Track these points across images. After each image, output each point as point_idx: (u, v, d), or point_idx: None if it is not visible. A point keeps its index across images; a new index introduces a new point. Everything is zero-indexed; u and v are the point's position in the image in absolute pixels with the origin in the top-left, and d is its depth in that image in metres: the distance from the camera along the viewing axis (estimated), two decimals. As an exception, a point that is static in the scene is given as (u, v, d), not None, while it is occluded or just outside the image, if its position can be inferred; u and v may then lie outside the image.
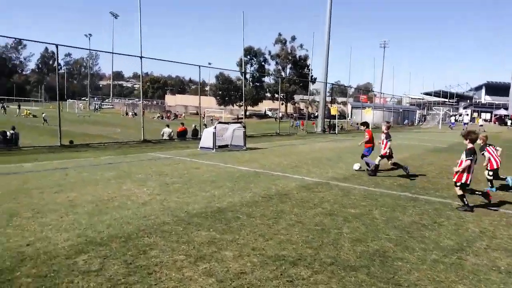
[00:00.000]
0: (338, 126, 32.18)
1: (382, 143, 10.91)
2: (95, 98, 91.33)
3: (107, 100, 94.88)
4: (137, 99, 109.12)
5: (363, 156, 11.75)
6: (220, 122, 16.99)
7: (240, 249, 4.91)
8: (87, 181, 8.38)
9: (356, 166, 11.67)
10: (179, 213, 6.35)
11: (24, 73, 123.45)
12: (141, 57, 17.21)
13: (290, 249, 5.00)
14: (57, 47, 14.09)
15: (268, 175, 10.20)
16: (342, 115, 54.12)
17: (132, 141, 17.71)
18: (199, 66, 19.40)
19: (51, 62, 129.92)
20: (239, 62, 79.87)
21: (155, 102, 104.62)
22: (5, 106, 59.43)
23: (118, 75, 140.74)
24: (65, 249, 4.59)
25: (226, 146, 16.35)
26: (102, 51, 18.29)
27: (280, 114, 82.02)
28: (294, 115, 78.87)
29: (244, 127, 17.06)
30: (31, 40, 13.36)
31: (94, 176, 9.02)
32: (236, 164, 11.82)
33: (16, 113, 51.60)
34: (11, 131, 16.71)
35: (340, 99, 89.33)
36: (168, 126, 22.69)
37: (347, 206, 7.28)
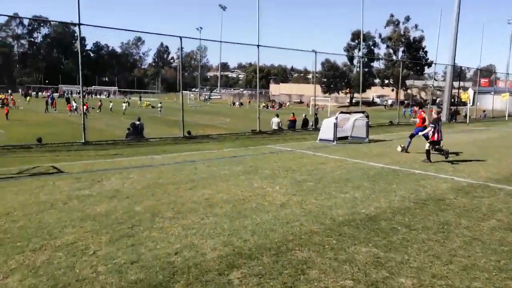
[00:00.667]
0: (463, 114, 28.50)
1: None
2: (204, 89, 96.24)
3: (215, 91, 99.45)
4: (241, 89, 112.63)
5: None
6: (341, 112, 15.83)
7: (417, 276, 3.91)
8: (218, 177, 8.08)
9: None
10: (324, 219, 5.55)
11: (142, 67, 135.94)
12: (258, 46, 16.86)
13: (483, 280, 3.85)
14: (181, 39, 14.38)
15: (407, 174, 8.90)
16: (463, 102, 48.31)
17: (248, 132, 17.60)
18: (315, 52, 18.36)
19: (165, 56, 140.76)
20: (346, 47, 76.97)
21: (255, 91, 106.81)
22: (129, 98, 65.88)
23: (224, 66, 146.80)
24: (215, 262, 4.09)
25: (346, 137, 15.21)
26: (223, 42, 18.31)
27: (390, 101, 76.92)
28: (406, 101, 73.37)
29: (367, 117, 15.65)
30: (156, 33, 13.61)
31: (223, 170, 8.74)
32: (366, 159, 10.68)
33: (138, 104, 56.73)
34: (137, 122, 17.77)
35: (455, 83, 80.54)
36: (277, 115, 22.20)
37: (532, 220, 5.73)
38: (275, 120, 21.02)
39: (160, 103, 43.98)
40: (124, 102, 44.46)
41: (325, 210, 5.96)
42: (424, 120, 12.36)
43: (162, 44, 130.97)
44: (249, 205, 6.13)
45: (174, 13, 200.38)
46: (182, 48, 14.50)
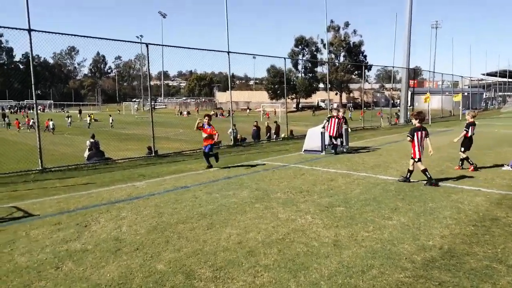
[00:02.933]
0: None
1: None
2: (148, 99, 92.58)
3: (159, 100, 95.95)
4: (184, 97, 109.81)
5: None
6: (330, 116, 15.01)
7: None
8: (230, 208, 6.75)
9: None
10: (399, 261, 4.51)
11: (78, 78, 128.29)
12: (228, 52, 15.61)
13: None
14: (147, 46, 12.74)
15: (430, 188, 8.16)
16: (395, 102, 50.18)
17: (223, 146, 16.24)
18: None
19: (102, 66, 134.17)
20: (290, 54, 77.73)
21: (203, 99, 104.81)
22: (67, 111, 61.06)
23: (164, 75, 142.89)
24: None
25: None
26: (190, 48, 16.29)
27: (335, 105, 79.15)
28: (348, 104, 75.61)
29: (346, 123, 15.00)
30: (120, 40, 11.85)
31: (228, 198, 7.41)
32: (370, 172, 9.88)
33: (78, 118, 52.64)
34: (91, 140, 15.73)
35: (388, 85, 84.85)
36: (234, 125, 20.76)
37: None
38: (231, 130, 19.58)
39: (110, 115, 41.11)
40: (67, 117, 40.89)
41: (389, 247, 4.92)
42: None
43: (98, 53, 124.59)
44: (297, 248, 4.92)
45: (111, 18, 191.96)
46: (148, 56, 12.82)
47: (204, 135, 10.46)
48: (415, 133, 8.41)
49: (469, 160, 10.06)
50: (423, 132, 8.48)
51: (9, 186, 8.82)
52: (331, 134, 13.39)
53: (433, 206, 6.77)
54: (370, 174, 9.59)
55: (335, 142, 13.46)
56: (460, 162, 10.33)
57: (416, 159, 8.46)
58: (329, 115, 13.63)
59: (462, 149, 10.26)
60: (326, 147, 13.46)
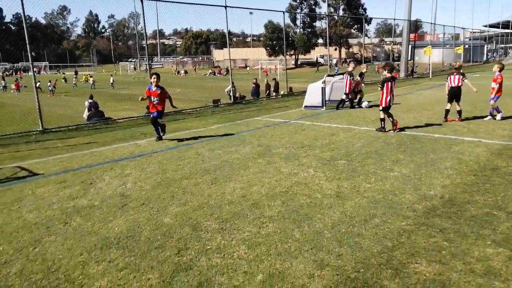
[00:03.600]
0: (416, 68, 28.80)
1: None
2: (144, 59, 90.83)
3: (155, 60, 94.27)
4: (181, 56, 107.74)
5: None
6: (328, 75, 14.85)
7: None
8: (232, 163, 6.80)
9: None
10: (401, 210, 4.60)
11: (71, 39, 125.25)
12: (225, 7, 15.12)
13: None
14: (142, 2, 12.31)
15: (430, 140, 8.20)
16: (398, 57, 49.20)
17: (223, 104, 16.13)
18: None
19: (95, 26, 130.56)
20: (288, 8, 75.40)
21: (201, 58, 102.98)
22: (62, 73, 60.08)
23: (159, 33, 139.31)
24: (330, 298, 2.97)
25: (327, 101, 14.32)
26: (187, 3, 15.05)
27: (335, 61, 77.83)
28: (348, 60, 74.32)
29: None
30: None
31: (231, 154, 7.45)
32: (372, 126, 9.88)
33: (74, 80, 51.89)
34: (90, 100, 15.57)
35: (387, 39, 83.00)
36: (233, 83, 20.35)
37: None
38: (229, 87, 19.26)
39: (111, 75, 40.62)
40: (63, 79, 40.23)
41: (391, 197, 5.00)
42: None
43: (91, 12, 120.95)
44: (300, 199, 5.00)
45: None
46: (143, 12, 12.43)
47: (152, 99, 8.49)
48: (385, 84, 8.94)
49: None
50: (393, 82, 9.05)
51: (11, 147, 8.83)
52: (346, 91, 13.20)
53: (434, 157, 6.82)
54: (371, 128, 9.59)
55: (345, 99, 13.37)
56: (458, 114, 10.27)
57: (381, 108, 9.07)
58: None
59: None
60: (343, 104, 13.45)
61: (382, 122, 9.15)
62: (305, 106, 13.50)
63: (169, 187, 5.62)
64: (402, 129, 9.22)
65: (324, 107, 13.05)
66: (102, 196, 5.28)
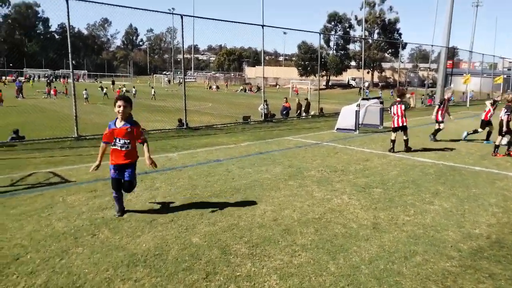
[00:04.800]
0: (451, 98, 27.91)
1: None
2: (178, 72, 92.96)
3: (189, 74, 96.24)
4: (213, 72, 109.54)
5: None
6: (363, 99, 14.60)
7: None
8: (263, 183, 6.62)
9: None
10: (444, 249, 4.27)
11: (111, 49, 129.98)
12: (262, 26, 15.21)
13: None
14: (181, 18, 12.53)
15: (471, 172, 7.78)
16: (435, 84, 47.86)
17: (253, 121, 16.08)
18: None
19: (134, 38, 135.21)
20: (322, 30, 75.73)
21: (233, 74, 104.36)
22: (100, 82, 62.07)
23: (193, 49, 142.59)
24: None
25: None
26: (224, 20, 15.57)
27: (366, 84, 77.50)
28: (380, 84, 73.39)
29: (382, 102, 14.51)
30: (154, 11, 11.73)
31: (261, 173, 7.28)
32: (407, 154, 9.49)
33: (111, 89, 53.49)
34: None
35: (421, 65, 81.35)
36: (266, 101, 20.20)
37: None
38: (262, 105, 19.19)
39: (152, 87, 41.74)
40: (99, 87, 41.52)
41: (433, 233, 4.67)
42: None
43: (131, 25, 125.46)
44: (334, 228, 4.75)
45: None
46: (183, 27, 12.62)
47: (118, 142, 4.78)
48: (392, 107, 9.76)
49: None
50: (400, 105, 9.59)
51: (46, 152, 9.00)
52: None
53: (477, 192, 6.42)
54: (407, 156, 9.23)
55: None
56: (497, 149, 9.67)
57: (391, 129, 9.85)
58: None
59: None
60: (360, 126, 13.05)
61: (392, 143, 9.71)
62: (337, 129, 13.24)
63: (198, 203, 5.50)
64: (409, 149, 9.78)
65: (357, 130, 12.74)
66: (131, 209, 5.20)
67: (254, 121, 16.41)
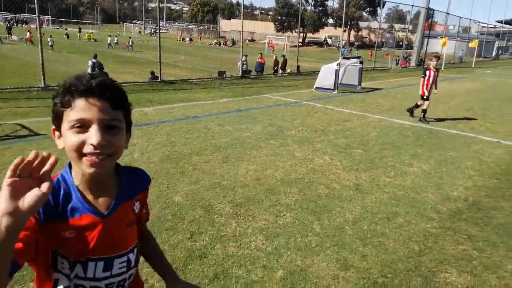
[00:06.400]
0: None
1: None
2: (150, 22, 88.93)
3: (161, 24, 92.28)
4: (186, 23, 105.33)
5: None
6: (344, 58, 14.40)
7: None
8: (244, 142, 6.49)
9: None
10: (425, 211, 4.36)
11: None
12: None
13: None
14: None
15: (448, 135, 7.93)
16: (410, 46, 48.03)
17: (229, 77, 15.66)
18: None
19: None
20: (301, -16, 73.46)
21: (207, 27, 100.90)
22: (65, 29, 58.65)
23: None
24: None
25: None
26: None
27: (343, 42, 76.95)
28: (356, 43, 73.08)
29: (361, 62, 14.40)
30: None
31: (241, 132, 7.13)
32: (385, 115, 9.56)
33: (77, 37, 50.71)
34: (93, 60, 15.04)
35: (397, 26, 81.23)
36: (246, 56, 19.57)
37: None
38: (242, 60, 18.66)
39: (130, 37, 39.52)
40: (65, 35, 39.22)
41: (413, 195, 4.74)
42: None
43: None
44: (317, 189, 4.73)
45: None
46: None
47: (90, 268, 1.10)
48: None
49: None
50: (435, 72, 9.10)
51: (11, 102, 8.45)
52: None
53: (453, 155, 6.55)
54: (385, 117, 9.28)
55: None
56: None
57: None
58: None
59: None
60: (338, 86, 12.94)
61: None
62: (316, 88, 13.11)
63: (178, 161, 5.33)
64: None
65: (336, 90, 12.67)
66: (107, 165, 4.98)
67: (230, 77, 16.00)
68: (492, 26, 73.04)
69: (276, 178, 4.97)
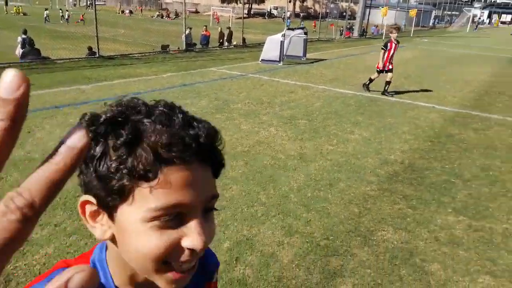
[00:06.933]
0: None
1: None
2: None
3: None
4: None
5: None
6: (289, 29, 14.36)
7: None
8: (189, 116, 6.38)
9: None
10: (365, 175, 4.58)
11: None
12: None
13: None
14: None
15: (386, 103, 8.29)
16: (353, 16, 49.10)
17: (173, 51, 15.16)
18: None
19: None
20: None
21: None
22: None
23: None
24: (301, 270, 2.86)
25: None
26: None
27: (288, 14, 76.84)
28: (302, 14, 73.34)
29: (306, 33, 14.50)
30: None
31: (187, 106, 6.93)
32: (329, 85, 9.77)
33: (3, 10, 46.57)
34: (23, 36, 13.95)
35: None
36: (190, 29, 18.94)
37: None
38: (187, 33, 18.09)
39: (61, 9, 36.53)
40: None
41: (354, 161, 4.95)
42: None
43: None
44: (263, 160, 4.80)
45: None
46: None
47: None
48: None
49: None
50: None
51: None
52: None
53: (391, 121, 6.88)
54: (329, 87, 9.49)
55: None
56: None
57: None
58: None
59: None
60: (284, 58, 12.99)
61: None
62: (262, 60, 13.06)
63: (120, 140, 5.15)
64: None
65: (282, 62, 12.72)
66: (42, 148, 4.70)
67: (174, 51, 15.51)
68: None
69: (223, 152, 4.95)
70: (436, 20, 72.13)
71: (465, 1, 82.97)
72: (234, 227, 3.29)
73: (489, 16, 79.03)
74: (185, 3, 16.32)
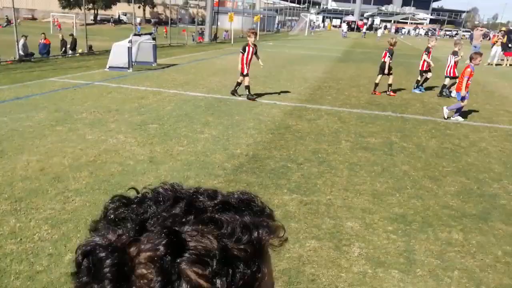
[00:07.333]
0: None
1: None
2: None
3: None
4: None
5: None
6: (135, 34, 13.93)
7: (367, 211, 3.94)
8: (25, 132, 5.80)
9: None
10: (213, 169, 4.86)
11: None
12: None
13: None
14: None
15: (236, 103, 8.85)
16: (204, 22, 50.55)
17: (4, 62, 13.36)
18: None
19: None
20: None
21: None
22: None
23: None
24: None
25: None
26: None
27: (138, 20, 74.72)
28: (153, 20, 72.11)
29: (154, 38, 14.41)
30: None
31: (21, 121, 6.32)
32: (181, 89, 9.92)
33: None
34: None
35: (192, 2, 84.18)
36: (26, 37, 17.00)
37: (364, 135, 6.70)
38: (23, 41, 16.18)
39: None
40: None
41: (203, 158, 5.21)
42: None
43: None
44: (110, 168, 4.68)
45: None
46: None
47: None
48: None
49: None
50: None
51: None
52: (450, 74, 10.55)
53: (239, 119, 7.38)
54: (180, 91, 9.64)
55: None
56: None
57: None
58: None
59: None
60: (134, 63, 12.68)
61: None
62: (109, 67, 12.50)
63: None
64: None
65: (131, 68, 12.39)
66: None
67: (5, 62, 13.73)
68: (272, 2, 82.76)
69: (64, 165, 4.67)
70: (280, 25, 78.88)
71: (303, 8, 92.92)
72: (76, 239, 3.17)
73: (323, 21, 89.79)
74: (14, 8, 14.54)
